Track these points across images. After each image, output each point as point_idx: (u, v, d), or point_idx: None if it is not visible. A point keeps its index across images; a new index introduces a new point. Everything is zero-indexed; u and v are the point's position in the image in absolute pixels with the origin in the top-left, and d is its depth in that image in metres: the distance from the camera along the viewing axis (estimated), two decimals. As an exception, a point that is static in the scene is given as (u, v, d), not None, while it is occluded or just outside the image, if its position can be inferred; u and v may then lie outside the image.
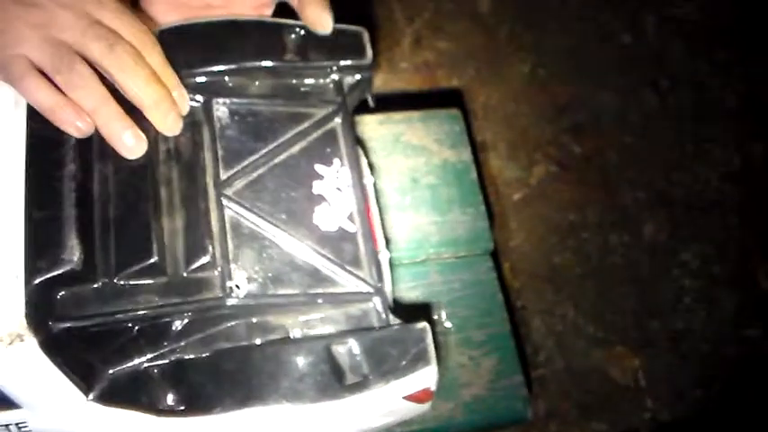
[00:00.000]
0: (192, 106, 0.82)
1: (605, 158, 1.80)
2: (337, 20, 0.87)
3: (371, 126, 1.12)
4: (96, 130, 0.74)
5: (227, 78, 0.85)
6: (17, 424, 0.75)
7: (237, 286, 0.73)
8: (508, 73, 1.90)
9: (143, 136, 0.75)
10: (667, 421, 1.57)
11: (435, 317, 1.01)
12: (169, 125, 0.78)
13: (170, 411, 0.72)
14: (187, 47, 0.83)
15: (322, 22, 0.85)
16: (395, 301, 0.89)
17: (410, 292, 1.03)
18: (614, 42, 1.96)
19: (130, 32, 0.76)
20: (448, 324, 1.01)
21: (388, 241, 0.92)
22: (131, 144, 0.75)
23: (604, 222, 1.73)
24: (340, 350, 0.74)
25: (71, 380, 0.70)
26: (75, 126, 0.73)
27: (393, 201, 1.08)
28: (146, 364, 0.73)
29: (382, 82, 1.78)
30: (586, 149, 1.81)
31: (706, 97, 1.90)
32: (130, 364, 0.72)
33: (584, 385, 1.58)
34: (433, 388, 0.77)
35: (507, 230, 1.68)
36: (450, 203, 1.08)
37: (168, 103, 0.77)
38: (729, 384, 1.60)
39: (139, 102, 0.75)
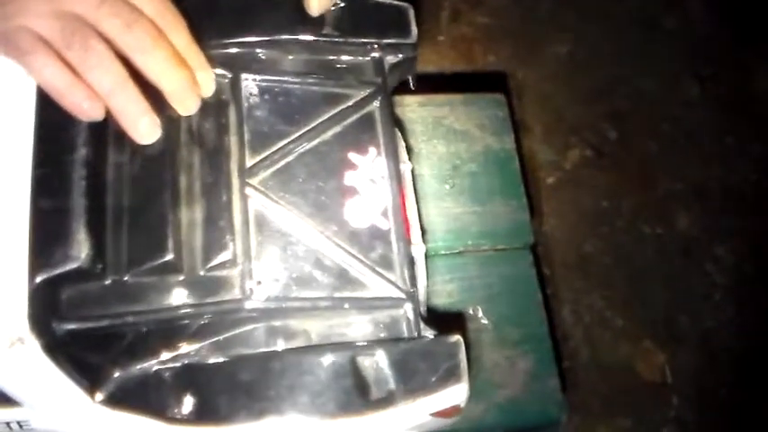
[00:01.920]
0: (218, 82, 0.75)
1: (642, 146, 1.75)
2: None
3: (412, 107, 1.07)
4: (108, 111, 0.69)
5: (257, 51, 0.79)
6: (19, 422, 0.71)
7: (259, 282, 0.68)
8: (546, 52, 1.84)
9: (158, 122, 0.70)
10: (692, 420, 1.53)
11: (471, 312, 0.97)
12: (187, 107, 0.72)
13: (180, 419, 0.67)
14: (216, 15, 0.77)
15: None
16: (429, 295, 0.84)
17: (446, 285, 0.98)
18: (657, 26, 1.90)
19: (153, 7, 0.70)
20: (484, 321, 0.96)
21: (424, 232, 0.87)
22: (146, 131, 0.69)
23: (638, 212, 1.68)
24: (366, 362, 0.69)
25: (76, 382, 0.65)
26: (85, 111, 0.67)
27: (432, 188, 1.02)
28: (156, 368, 0.68)
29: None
30: (623, 136, 1.75)
31: (748, 88, 1.83)
32: (140, 366, 0.67)
33: (610, 379, 1.54)
34: (463, 405, 0.72)
35: (539, 215, 1.63)
36: (490, 193, 1.03)
37: (189, 88, 0.71)
38: (757, 385, 1.56)
39: (158, 85, 0.69)
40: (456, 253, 1.00)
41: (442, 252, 1.00)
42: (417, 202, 0.88)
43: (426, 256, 0.82)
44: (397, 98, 1.04)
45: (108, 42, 0.67)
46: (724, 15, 1.90)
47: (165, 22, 0.70)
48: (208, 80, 0.73)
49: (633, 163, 1.73)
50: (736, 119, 1.79)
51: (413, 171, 0.89)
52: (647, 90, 1.81)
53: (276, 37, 0.79)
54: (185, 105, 0.71)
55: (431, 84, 1.08)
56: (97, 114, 0.67)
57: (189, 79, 0.71)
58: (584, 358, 1.54)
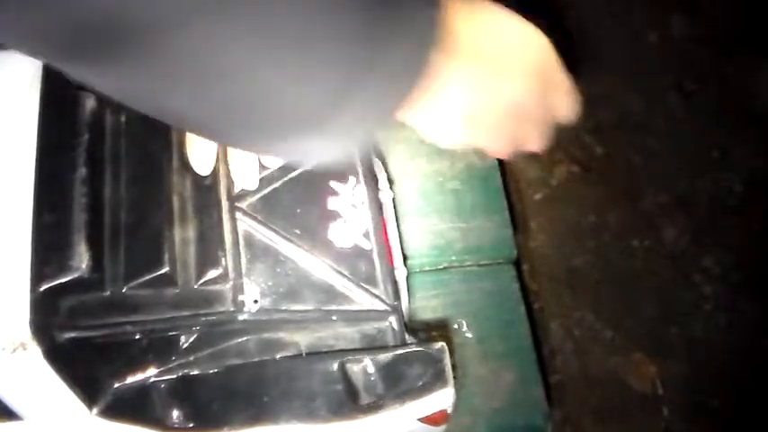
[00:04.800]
0: None
1: (628, 160, 1.77)
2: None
3: (395, 128, 1.08)
4: (109, 129, 0.72)
5: None
6: (16, 437, 0.73)
7: (255, 301, 0.71)
8: (532, 70, 1.86)
9: None
10: (684, 431, 1.54)
11: (456, 326, 0.98)
12: None
13: (177, 428, 0.70)
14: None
15: None
16: (412, 313, 0.87)
17: (430, 300, 0.99)
18: (640, 41, 1.92)
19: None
20: (468, 335, 0.98)
21: (405, 258, 0.90)
22: None
23: (625, 225, 1.70)
24: (354, 369, 0.72)
25: (75, 392, 0.68)
26: None
27: (416, 205, 1.04)
28: (153, 379, 0.70)
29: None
30: (609, 150, 1.77)
31: (732, 100, 1.86)
32: (137, 377, 0.70)
33: (600, 392, 1.55)
34: (450, 410, 0.74)
35: (527, 231, 1.65)
36: (474, 209, 1.05)
37: None
38: (748, 395, 1.57)
39: None
40: (440, 269, 1.02)
41: (427, 268, 1.02)
42: (403, 222, 0.91)
43: (408, 275, 0.86)
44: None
45: None
46: (706, 29, 1.92)
47: None
48: None
49: (619, 177, 1.75)
50: (720, 131, 1.81)
51: (394, 201, 0.91)
52: (631, 104, 1.83)
53: None
54: None
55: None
56: None
57: None
58: (575, 372, 1.56)
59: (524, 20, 0.66)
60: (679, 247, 1.69)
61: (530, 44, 0.65)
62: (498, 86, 0.61)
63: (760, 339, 1.61)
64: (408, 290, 0.84)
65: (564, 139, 1.76)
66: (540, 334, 1.51)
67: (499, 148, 0.66)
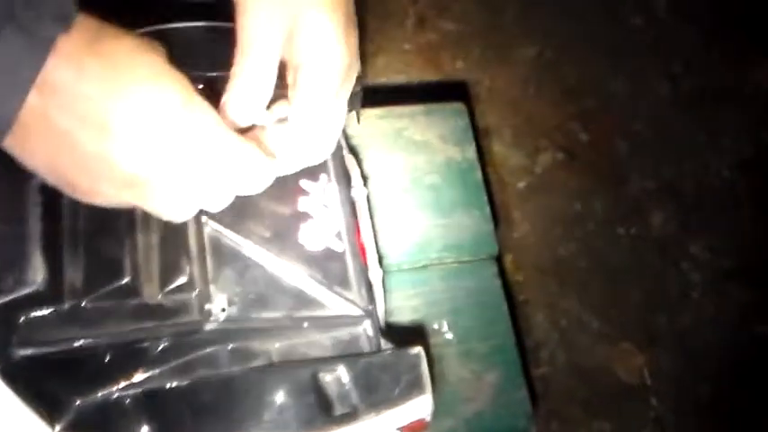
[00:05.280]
0: None
1: (614, 146, 1.75)
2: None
3: (371, 120, 1.05)
4: None
5: (209, 86, 0.79)
6: (-24, 458, 0.70)
7: (223, 309, 0.69)
8: (515, 55, 1.84)
9: None
10: (672, 420, 1.53)
11: (436, 326, 0.96)
12: None
13: (143, 446, 0.67)
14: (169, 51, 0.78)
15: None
16: (391, 314, 0.84)
17: (410, 300, 0.96)
18: (625, 25, 1.90)
19: None
20: (449, 335, 0.96)
21: (381, 258, 0.87)
22: None
23: (611, 213, 1.69)
24: (327, 378, 0.69)
25: (35, 411, 0.65)
26: None
27: (393, 201, 1.00)
28: (117, 394, 0.67)
29: (384, 64, 1.71)
30: (594, 136, 1.76)
31: (719, 84, 1.84)
32: (100, 393, 0.67)
33: (588, 383, 1.54)
34: (428, 418, 0.72)
35: (510, 221, 1.63)
36: (453, 205, 1.02)
37: None
38: (737, 383, 1.56)
39: None
40: (419, 267, 0.99)
41: (405, 267, 0.98)
42: (376, 222, 0.89)
43: (386, 275, 0.84)
44: (355, 113, 1.04)
45: None
46: (691, 14, 1.90)
47: None
48: None
49: (605, 164, 1.73)
50: (707, 115, 1.80)
51: (368, 198, 0.88)
52: (617, 89, 1.81)
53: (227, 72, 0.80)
54: None
55: (396, 94, 1.07)
56: None
57: None
58: (562, 363, 1.54)
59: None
60: (666, 233, 1.68)
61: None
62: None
63: (748, 326, 1.61)
64: (386, 290, 0.82)
65: (548, 125, 1.74)
66: (525, 326, 1.49)
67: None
